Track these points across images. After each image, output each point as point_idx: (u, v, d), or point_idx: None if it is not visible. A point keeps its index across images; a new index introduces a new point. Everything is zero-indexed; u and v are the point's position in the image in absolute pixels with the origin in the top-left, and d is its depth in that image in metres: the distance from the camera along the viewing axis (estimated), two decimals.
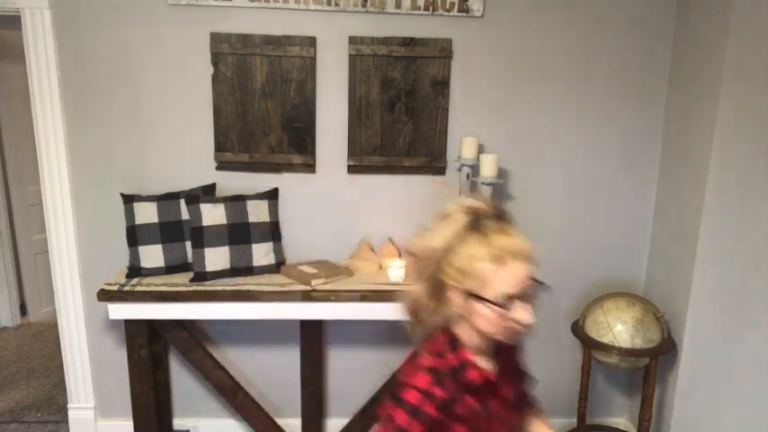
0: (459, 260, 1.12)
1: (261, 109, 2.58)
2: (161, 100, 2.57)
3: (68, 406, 2.88)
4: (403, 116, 2.62)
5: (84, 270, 2.71)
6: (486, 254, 1.11)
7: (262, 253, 2.55)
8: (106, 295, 2.35)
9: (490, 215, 1.15)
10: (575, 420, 2.76)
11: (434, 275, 1.15)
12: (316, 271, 2.50)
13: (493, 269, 1.10)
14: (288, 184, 2.67)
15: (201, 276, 2.46)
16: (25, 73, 2.54)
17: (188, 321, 2.64)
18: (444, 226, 1.15)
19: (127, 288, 2.37)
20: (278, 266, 2.59)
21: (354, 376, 2.87)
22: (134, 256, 2.48)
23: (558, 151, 2.71)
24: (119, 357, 2.77)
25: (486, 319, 1.13)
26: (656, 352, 2.46)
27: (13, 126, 4.09)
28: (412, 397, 1.12)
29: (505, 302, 1.11)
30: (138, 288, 2.37)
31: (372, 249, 2.68)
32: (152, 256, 2.49)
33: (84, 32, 2.50)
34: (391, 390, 1.17)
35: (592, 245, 2.81)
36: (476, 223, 1.13)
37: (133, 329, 2.45)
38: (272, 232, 2.61)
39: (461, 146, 2.54)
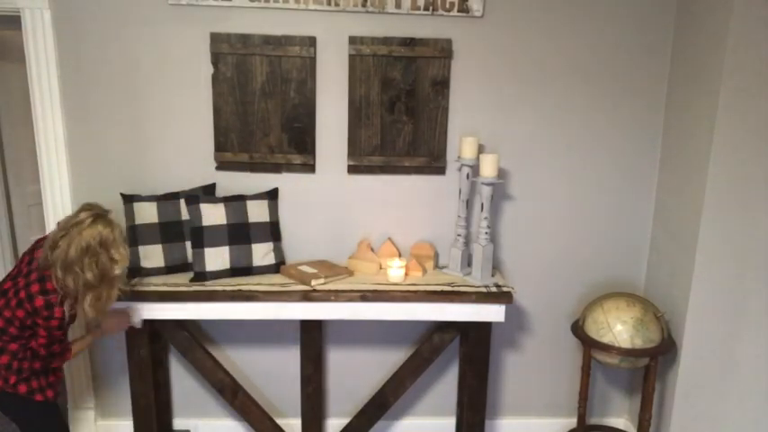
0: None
1: (261, 109, 2.58)
2: (161, 100, 2.57)
3: (68, 406, 2.88)
4: (403, 116, 2.62)
5: None
6: None
7: (262, 253, 2.55)
8: None
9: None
10: (575, 420, 2.76)
11: None
12: (316, 271, 2.50)
13: None
14: (288, 183, 2.67)
15: (201, 276, 2.47)
16: (25, 73, 2.54)
17: (188, 321, 2.64)
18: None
19: (127, 288, 2.37)
20: (278, 266, 2.59)
21: (354, 376, 2.87)
22: (134, 256, 2.48)
23: (558, 151, 2.71)
24: (119, 357, 2.77)
25: None
26: (656, 352, 2.46)
27: (13, 126, 4.08)
28: None
29: None
30: (138, 288, 2.38)
31: (372, 249, 2.68)
32: (152, 256, 2.49)
33: (84, 32, 2.50)
34: None
35: (592, 245, 2.81)
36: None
37: (133, 329, 2.46)
38: (272, 232, 2.61)
39: (461, 146, 2.54)
